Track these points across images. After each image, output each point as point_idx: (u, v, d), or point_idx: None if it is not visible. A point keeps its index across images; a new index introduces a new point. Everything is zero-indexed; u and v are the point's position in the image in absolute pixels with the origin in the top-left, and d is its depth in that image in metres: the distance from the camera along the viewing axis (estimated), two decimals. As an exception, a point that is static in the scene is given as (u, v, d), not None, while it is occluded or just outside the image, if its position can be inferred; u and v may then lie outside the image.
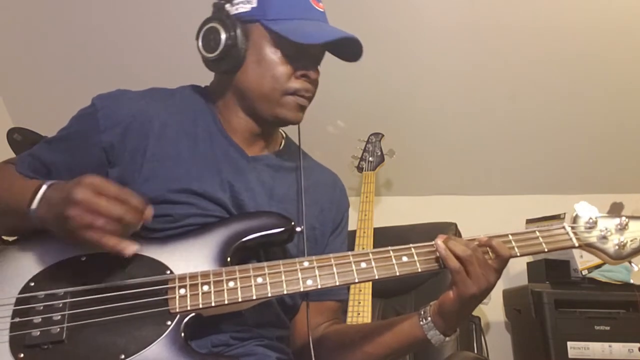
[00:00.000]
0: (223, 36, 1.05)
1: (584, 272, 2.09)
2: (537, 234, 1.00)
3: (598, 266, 2.11)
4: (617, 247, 1.00)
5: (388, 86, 2.37)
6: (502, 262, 0.95)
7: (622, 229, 1.01)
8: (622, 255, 1.00)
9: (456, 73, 2.32)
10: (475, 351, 2.08)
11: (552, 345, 1.92)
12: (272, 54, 1.05)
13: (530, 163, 2.51)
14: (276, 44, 1.05)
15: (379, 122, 2.47)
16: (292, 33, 1.02)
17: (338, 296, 1.19)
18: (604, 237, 1.01)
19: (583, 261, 2.11)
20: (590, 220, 1.02)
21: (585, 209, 1.04)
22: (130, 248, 0.86)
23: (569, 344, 1.92)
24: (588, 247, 1.01)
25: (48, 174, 1.04)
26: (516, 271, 2.49)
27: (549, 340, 1.93)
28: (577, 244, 1.01)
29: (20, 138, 1.93)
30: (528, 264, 2.31)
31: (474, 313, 2.16)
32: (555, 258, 2.16)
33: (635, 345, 1.90)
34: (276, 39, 1.04)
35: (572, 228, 1.02)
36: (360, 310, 1.84)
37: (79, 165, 1.03)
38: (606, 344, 1.91)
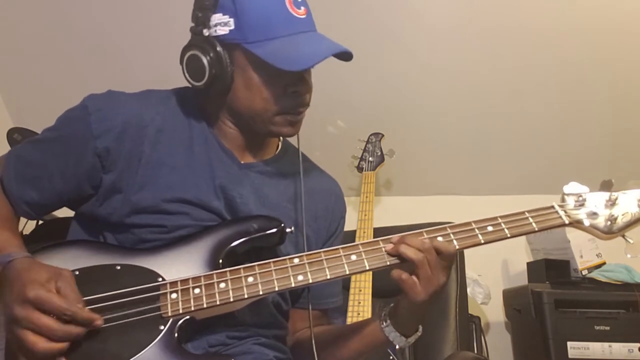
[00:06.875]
0: (207, 65, 1.01)
1: (584, 272, 2.10)
2: (527, 214, 0.99)
3: (598, 266, 2.12)
4: (608, 222, 0.98)
5: (388, 86, 2.37)
6: (450, 258, 0.94)
7: (612, 204, 0.99)
8: (614, 230, 0.98)
9: (457, 73, 2.32)
10: (475, 351, 2.08)
11: (552, 345, 1.92)
12: (259, 77, 1.02)
13: (531, 163, 2.51)
14: (261, 66, 1.00)
15: (379, 122, 2.46)
16: (275, 58, 0.98)
17: (324, 305, 1.20)
18: (594, 213, 0.99)
19: (583, 261, 2.12)
20: (580, 198, 1.00)
21: (575, 188, 1.02)
22: None
23: (569, 344, 1.91)
24: (578, 224, 0.99)
25: (36, 178, 1.03)
26: (516, 271, 2.49)
27: (549, 340, 1.93)
28: (567, 222, 0.98)
29: (20, 138, 1.93)
30: (528, 264, 2.31)
31: (474, 313, 2.18)
32: (555, 258, 2.16)
33: (635, 345, 1.90)
34: (260, 62, 0.99)
35: (561, 207, 1.00)
36: (360, 310, 1.84)
37: (72, 170, 1.02)
38: (606, 344, 1.90)
